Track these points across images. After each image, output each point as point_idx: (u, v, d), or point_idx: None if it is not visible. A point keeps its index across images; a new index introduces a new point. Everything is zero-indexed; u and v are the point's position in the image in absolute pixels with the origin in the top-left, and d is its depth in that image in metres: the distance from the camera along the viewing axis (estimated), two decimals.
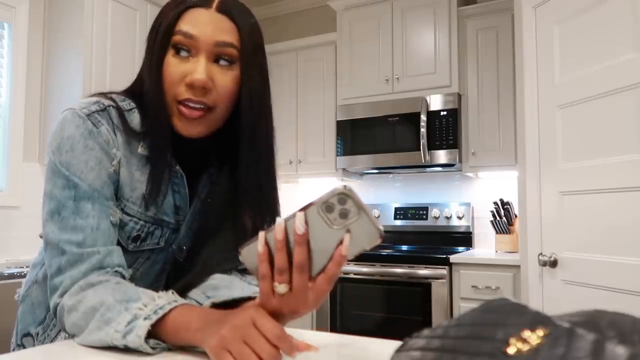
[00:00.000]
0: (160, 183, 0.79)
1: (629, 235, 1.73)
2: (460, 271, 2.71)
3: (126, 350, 0.64)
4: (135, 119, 0.80)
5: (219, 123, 0.81)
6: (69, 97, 2.74)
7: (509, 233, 2.95)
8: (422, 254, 2.84)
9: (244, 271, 0.87)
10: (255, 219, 0.83)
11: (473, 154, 2.99)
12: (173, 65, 0.76)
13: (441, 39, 3.08)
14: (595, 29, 1.88)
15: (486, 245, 3.20)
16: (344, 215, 0.54)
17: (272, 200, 0.85)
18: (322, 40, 3.50)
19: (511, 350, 0.32)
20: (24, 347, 0.88)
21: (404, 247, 3.27)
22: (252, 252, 0.59)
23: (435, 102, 3.02)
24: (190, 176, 0.85)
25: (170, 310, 0.65)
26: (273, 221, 0.83)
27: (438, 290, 2.71)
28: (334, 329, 2.97)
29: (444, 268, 2.72)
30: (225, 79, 0.77)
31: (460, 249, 3.14)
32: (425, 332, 0.41)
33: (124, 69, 2.88)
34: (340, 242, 0.55)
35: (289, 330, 0.67)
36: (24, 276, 2.18)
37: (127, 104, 0.81)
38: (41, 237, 0.78)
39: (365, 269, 2.91)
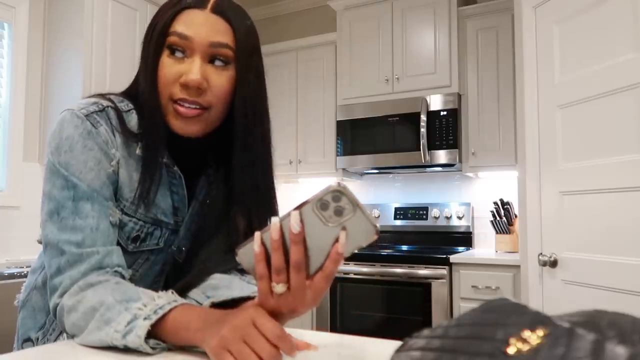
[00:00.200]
0: (152, 182, 0.78)
1: (629, 235, 1.73)
2: (460, 271, 2.71)
3: (126, 350, 0.64)
4: (133, 119, 0.80)
5: (215, 123, 0.81)
6: (69, 97, 2.74)
7: (509, 233, 2.95)
8: (422, 254, 2.83)
9: (243, 271, 0.87)
10: (252, 219, 0.83)
11: (473, 154, 2.99)
12: (168, 66, 0.76)
13: (441, 39, 3.08)
14: (595, 29, 1.88)
15: (486, 245, 3.20)
16: (339, 212, 0.54)
17: (270, 201, 0.85)
18: (322, 40, 3.50)
19: (511, 350, 0.32)
20: None
21: (404, 247, 3.27)
22: (249, 252, 0.59)
23: (435, 102, 3.02)
24: (189, 178, 0.85)
25: (170, 310, 0.65)
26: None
27: (438, 290, 2.71)
28: (334, 329, 2.97)
29: (444, 268, 2.71)
30: (220, 79, 0.77)
31: (460, 249, 3.14)
32: (425, 332, 0.41)
33: (124, 69, 2.88)
34: (337, 240, 0.55)
35: (289, 330, 0.67)
36: (24, 276, 2.18)
37: (125, 105, 0.81)
38: (39, 242, 0.78)
39: (365, 269, 2.91)
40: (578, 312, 0.35)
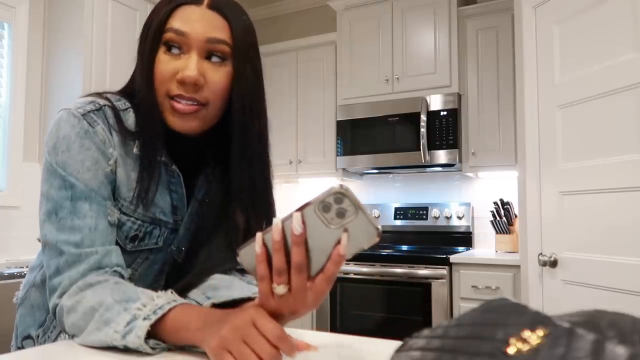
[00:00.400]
0: (150, 180, 0.78)
1: (629, 235, 1.73)
2: (460, 271, 2.71)
3: (126, 350, 0.64)
4: (130, 118, 0.80)
5: (213, 120, 0.80)
6: (69, 97, 2.73)
7: (509, 233, 2.95)
8: (422, 254, 2.83)
9: (243, 271, 0.87)
10: (249, 218, 0.83)
11: (473, 154, 2.99)
12: (164, 62, 0.76)
13: (441, 39, 3.08)
14: (595, 29, 1.88)
15: (486, 245, 3.20)
16: (341, 214, 0.54)
17: (267, 200, 0.85)
18: (322, 40, 3.50)
19: (511, 350, 0.32)
20: None
21: (404, 247, 3.27)
22: (250, 253, 0.59)
23: (435, 102, 3.02)
24: (188, 177, 0.85)
25: (169, 310, 0.65)
26: (268, 221, 0.82)
27: (438, 290, 2.71)
28: (334, 329, 2.97)
29: (444, 268, 2.71)
30: (217, 75, 0.77)
31: (460, 249, 3.13)
32: (425, 332, 0.41)
33: (124, 69, 2.88)
34: (338, 242, 0.55)
35: (289, 330, 0.67)
36: (24, 276, 2.18)
37: (122, 103, 0.81)
38: (39, 240, 0.77)
39: (365, 269, 2.91)
40: (578, 312, 0.35)
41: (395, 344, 0.64)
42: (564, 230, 1.99)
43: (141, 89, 0.78)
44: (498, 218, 2.97)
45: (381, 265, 2.87)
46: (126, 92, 0.84)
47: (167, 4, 0.78)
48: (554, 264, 2.03)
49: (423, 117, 2.99)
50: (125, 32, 2.92)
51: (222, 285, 0.80)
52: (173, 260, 0.88)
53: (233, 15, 0.78)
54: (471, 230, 3.23)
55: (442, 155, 2.98)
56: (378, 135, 3.15)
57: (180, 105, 0.75)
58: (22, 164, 2.79)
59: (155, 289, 0.84)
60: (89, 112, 0.77)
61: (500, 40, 2.96)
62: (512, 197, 2.94)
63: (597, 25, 1.87)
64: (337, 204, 0.54)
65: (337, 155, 3.31)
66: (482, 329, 0.35)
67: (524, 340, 0.32)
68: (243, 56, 0.78)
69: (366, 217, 0.54)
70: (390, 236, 3.41)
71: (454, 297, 2.71)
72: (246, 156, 0.81)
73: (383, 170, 3.42)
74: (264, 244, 0.58)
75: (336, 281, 3.04)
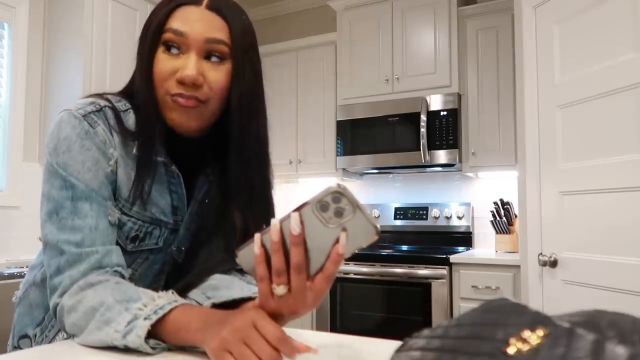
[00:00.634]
0: (146, 178, 0.78)
1: (629, 235, 1.73)
2: (460, 271, 2.71)
3: (126, 350, 0.64)
4: (130, 119, 0.80)
5: (211, 118, 0.80)
6: (69, 97, 2.74)
7: (509, 233, 2.95)
8: (422, 254, 2.83)
9: (243, 270, 0.87)
10: (247, 218, 0.83)
11: (473, 154, 2.99)
12: (163, 61, 0.76)
13: (441, 39, 3.08)
14: (595, 29, 1.88)
15: (486, 245, 3.20)
16: (339, 213, 0.54)
17: (266, 200, 0.85)
18: (322, 40, 3.50)
19: (511, 350, 0.32)
20: (21, 349, 0.88)
21: (404, 247, 3.27)
22: (249, 254, 0.59)
23: (435, 102, 3.02)
24: (188, 177, 0.85)
25: (170, 310, 0.65)
26: (267, 221, 0.82)
27: (438, 290, 2.71)
28: (334, 329, 2.97)
29: (444, 268, 2.71)
30: (217, 74, 0.77)
31: (460, 249, 3.13)
32: (425, 332, 0.41)
33: (124, 69, 2.88)
34: (337, 241, 0.55)
35: (288, 330, 0.67)
36: (24, 276, 2.18)
37: (122, 104, 0.81)
38: (40, 239, 0.78)
39: (365, 269, 2.91)
40: (578, 312, 0.35)
41: (395, 344, 0.64)
42: (564, 230, 1.99)
43: (141, 89, 0.78)
44: (498, 218, 2.97)
45: (381, 265, 2.87)
46: (126, 93, 0.84)
47: (166, 5, 0.78)
48: (554, 264, 2.03)
49: (423, 117, 2.99)
50: (125, 32, 2.92)
51: (222, 285, 0.80)
52: (173, 261, 0.88)
53: (232, 15, 0.79)
54: (471, 230, 3.23)
55: (442, 155, 2.98)
56: (378, 135, 3.15)
57: (182, 100, 0.75)
58: (22, 164, 2.79)
59: (155, 289, 0.84)
60: (89, 113, 0.77)
61: (500, 40, 2.96)
62: (512, 197, 2.94)
63: (597, 25, 1.87)
64: (334, 203, 0.54)
65: (337, 155, 3.31)
66: (482, 329, 0.35)
67: (524, 340, 0.32)
68: (242, 56, 0.78)
69: (364, 215, 0.54)
70: (390, 236, 3.41)
71: (454, 297, 2.71)
72: (244, 156, 0.81)
73: (383, 170, 3.42)
74: (263, 245, 0.58)
75: (336, 281, 3.05)
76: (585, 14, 1.92)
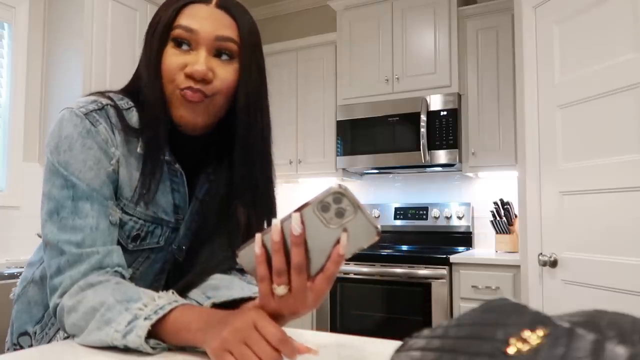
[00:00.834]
0: (152, 178, 0.78)
1: (629, 235, 1.73)
2: (460, 271, 2.71)
3: (126, 350, 0.64)
4: (133, 117, 0.80)
5: (217, 115, 0.80)
6: (69, 97, 2.74)
7: (509, 233, 2.95)
8: (422, 254, 2.83)
9: (243, 270, 0.87)
10: (250, 217, 0.83)
11: (473, 154, 2.99)
12: (173, 56, 0.76)
13: (441, 39, 3.08)
14: (595, 29, 1.88)
15: (486, 245, 3.20)
16: (340, 214, 0.54)
17: (269, 200, 0.85)
18: (322, 40, 3.50)
19: (511, 350, 0.32)
20: (21, 347, 0.87)
21: (404, 247, 3.27)
22: (249, 254, 0.59)
23: (435, 102, 3.02)
24: (189, 176, 0.85)
25: (170, 311, 0.65)
26: (269, 220, 0.83)
27: (438, 290, 2.71)
28: (334, 329, 2.97)
29: (444, 268, 2.71)
30: (226, 71, 0.77)
31: (460, 249, 3.13)
32: (425, 332, 0.41)
33: (124, 69, 2.88)
34: (338, 241, 0.55)
35: (288, 330, 0.67)
36: None
37: (125, 102, 0.81)
38: (39, 236, 0.77)
39: (365, 269, 2.91)
40: (578, 312, 0.35)
41: (395, 344, 0.64)
42: (564, 230, 1.99)
43: (147, 84, 0.78)
44: (498, 218, 2.97)
45: (381, 265, 2.87)
46: (128, 90, 0.83)
47: (175, 2, 0.78)
48: (554, 264, 2.03)
49: (423, 117, 2.99)
50: (125, 32, 2.92)
51: (222, 285, 0.80)
52: (174, 259, 0.88)
53: (240, 15, 0.79)
54: (471, 230, 3.23)
55: (442, 155, 2.98)
56: (378, 135, 3.15)
57: (190, 93, 0.75)
58: (22, 164, 2.79)
59: (156, 288, 0.84)
60: (91, 111, 0.76)
61: (500, 40, 2.96)
62: (512, 197, 2.94)
63: (597, 25, 1.87)
64: (336, 204, 0.54)
65: (337, 155, 3.31)
66: (482, 329, 0.36)
67: (524, 340, 0.32)
68: (249, 55, 0.79)
69: (365, 216, 0.54)
70: (390, 236, 3.41)
71: (454, 297, 2.71)
72: (249, 154, 0.81)
73: (383, 170, 3.42)
74: (264, 245, 0.58)
75: (336, 281, 3.04)
76: (585, 14, 1.92)
